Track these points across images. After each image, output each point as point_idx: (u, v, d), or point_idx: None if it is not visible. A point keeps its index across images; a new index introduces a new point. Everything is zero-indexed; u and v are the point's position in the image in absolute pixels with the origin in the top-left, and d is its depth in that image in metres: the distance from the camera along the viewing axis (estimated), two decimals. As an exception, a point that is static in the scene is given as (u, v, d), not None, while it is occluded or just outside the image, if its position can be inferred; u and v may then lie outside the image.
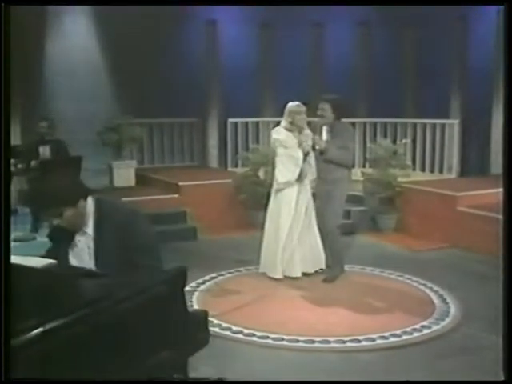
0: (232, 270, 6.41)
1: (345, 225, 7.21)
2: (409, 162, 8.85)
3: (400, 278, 6.24)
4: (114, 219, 2.90)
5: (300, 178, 5.96)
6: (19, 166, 7.45)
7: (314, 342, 4.59)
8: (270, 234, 6.12)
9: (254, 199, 7.95)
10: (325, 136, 5.92)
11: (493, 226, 6.47)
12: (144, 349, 2.44)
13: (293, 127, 5.96)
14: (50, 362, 2.17)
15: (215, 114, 10.71)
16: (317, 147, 5.87)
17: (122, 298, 2.38)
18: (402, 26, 10.90)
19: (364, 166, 9.60)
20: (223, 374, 3.77)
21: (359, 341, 4.61)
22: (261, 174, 8.31)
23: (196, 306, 5.29)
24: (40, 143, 7.79)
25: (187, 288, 5.65)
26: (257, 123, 10.43)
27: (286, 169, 5.95)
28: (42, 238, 4.65)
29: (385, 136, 9.60)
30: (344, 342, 4.60)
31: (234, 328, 4.84)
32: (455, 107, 10.21)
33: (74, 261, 2.97)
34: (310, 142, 5.91)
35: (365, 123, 10.30)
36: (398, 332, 4.77)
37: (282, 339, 4.64)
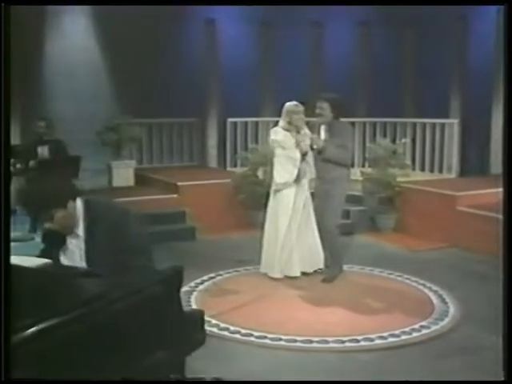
0: (230, 270, 6.39)
1: (344, 225, 7.21)
2: (408, 162, 8.83)
3: (399, 278, 6.22)
4: (104, 220, 2.88)
5: (298, 178, 5.94)
6: (18, 165, 7.43)
7: (312, 342, 4.57)
8: (270, 234, 6.11)
9: (253, 199, 7.93)
10: (323, 135, 5.91)
11: (492, 225, 6.46)
12: (139, 349, 2.42)
13: (291, 127, 5.94)
14: (44, 362, 2.16)
15: (214, 113, 10.69)
16: (315, 147, 5.85)
17: (118, 297, 2.37)
18: (401, 26, 10.89)
19: (363, 166, 9.58)
20: (221, 374, 3.76)
21: (358, 341, 4.59)
22: (260, 173, 8.30)
23: (194, 306, 5.26)
24: (39, 143, 7.77)
25: (185, 288, 5.74)
26: (256, 123, 10.41)
27: (284, 169, 5.94)
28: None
29: (384, 136, 9.58)
30: (343, 342, 4.58)
31: (232, 328, 4.82)
32: (455, 107, 10.19)
33: (65, 263, 2.95)
34: (308, 142, 5.89)
35: (364, 123, 10.28)
36: (396, 332, 4.75)
37: (280, 339, 4.62)
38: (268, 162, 6.93)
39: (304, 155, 5.94)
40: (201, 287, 5.87)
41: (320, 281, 6.00)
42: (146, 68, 9.94)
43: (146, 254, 2.88)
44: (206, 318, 4.89)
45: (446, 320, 5.06)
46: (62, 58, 9.87)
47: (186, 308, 4.66)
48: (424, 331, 4.82)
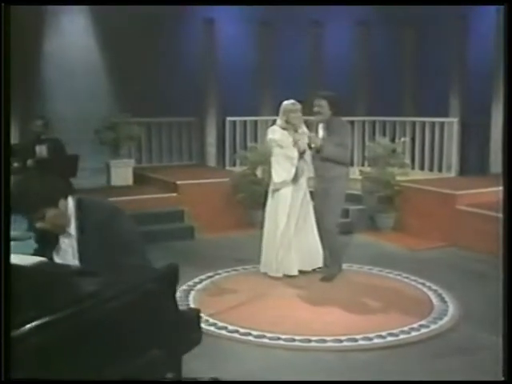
0: (229, 269, 6.37)
1: (343, 223, 7.19)
2: (407, 161, 8.81)
3: (398, 277, 6.20)
4: (96, 219, 2.84)
5: (296, 177, 5.92)
6: (15, 164, 7.40)
7: (310, 341, 4.55)
8: (269, 234, 6.10)
9: (252, 198, 7.90)
10: (321, 133, 5.88)
11: (492, 224, 6.44)
12: (134, 347, 2.39)
13: (288, 126, 5.92)
14: (37, 360, 2.14)
15: (213, 112, 10.66)
16: (313, 145, 5.83)
17: (111, 296, 2.35)
18: (401, 26, 10.87)
19: (363, 165, 9.57)
20: (219, 373, 3.73)
21: (356, 340, 4.57)
22: (259, 172, 8.27)
23: (192, 305, 5.24)
24: (36, 142, 7.74)
25: (183, 287, 5.71)
26: (255, 122, 10.39)
27: (281, 168, 5.92)
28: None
29: (384, 135, 9.56)
30: (341, 341, 4.55)
31: (230, 327, 4.79)
32: (454, 106, 10.17)
33: (58, 262, 2.92)
34: (306, 140, 5.86)
35: (364, 122, 10.27)
36: (395, 331, 4.72)
37: (279, 338, 4.60)
38: (267, 161, 6.90)
39: (302, 154, 5.92)
40: (199, 286, 5.85)
41: (319, 280, 5.97)
42: (144, 67, 9.92)
43: (139, 253, 2.85)
44: (204, 317, 4.92)
45: (445, 319, 5.04)
46: (60, 57, 9.83)
47: (182, 307, 4.66)
48: (423, 330, 4.80)
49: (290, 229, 5.98)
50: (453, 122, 9.56)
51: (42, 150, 7.69)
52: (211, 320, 4.90)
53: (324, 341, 4.55)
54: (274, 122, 6.23)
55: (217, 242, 7.52)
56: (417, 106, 10.76)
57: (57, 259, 2.96)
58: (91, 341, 2.29)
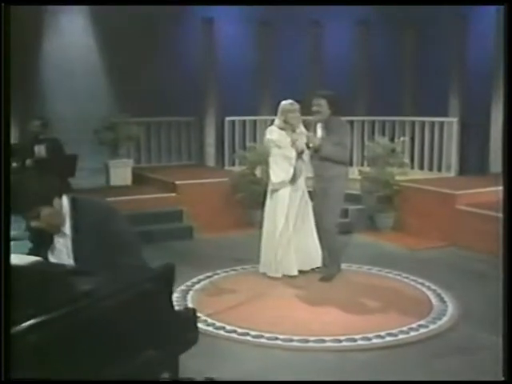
0: (228, 269, 6.35)
1: (342, 223, 7.16)
2: (407, 161, 8.78)
3: (397, 277, 6.18)
4: (91, 218, 2.83)
5: (294, 177, 5.90)
6: (14, 164, 7.39)
7: (308, 341, 4.53)
8: (268, 234, 6.08)
9: (251, 198, 7.88)
10: (319, 133, 5.86)
11: (492, 224, 6.43)
12: (129, 347, 2.38)
13: (286, 126, 5.90)
14: (33, 360, 2.13)
15: (212, 112, 10.64)
16: (311, 145, 5.81)
17: (105, 295, 2.33)
18: (401, 25, 10.85)
19: (362, 165, 9.55)
20: (216, 373, 3.72)
21: (355, 340, 4.55)
22: (258, 172, 8.25)
23: (190, 305, 5.21)
24: (35, 142, 7.73)
25: (182, 287, 5.70)
26: (254, 122, 10.36)
27: (279, 169, 5.90)
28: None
29: (383, 134, 9.54)
30: (339, 341, 4.53)
31: (228, 327, 4.77)
32: (454, 105, 10.15)
33: (54, 261, 2.91)
34: (304, 140, 5.84)
35: (363, 121, 10.25)
36: (394, 331, 4.70)
37: (277, 338, 4.58)
38: (266, 160, 6.87)
39: (300, 154, 5.90)
40: (197, 286, 5.83)
41: (318, 280, 5.95)
42: (144, 67, 9.90)
43: (135, 252, 2.83)
44: (202, 317, 4.90)
45: (444, 319, 5.02)
46: (60, 57, 9.82)
47: (180, 307, 4.64)
48: (422, 330, 4.78)
49: (289, 229, 5.96)
50: (452, 122, 9.55)
51: (40, 150, 7.69)
52: (209, 320, 4.89)
53: (323, 341, 4.53)
54: (272, 122, 6.21)
55: (216, 242, 7.51)
56: (416, 105, 10.74)
57: (52, 259, 2.95)
58: (86, 340, 2.28)
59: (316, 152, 5.83)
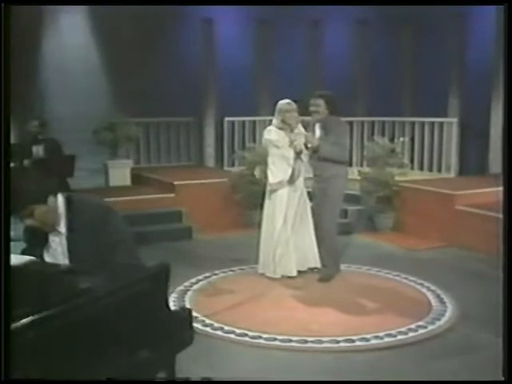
0: (226, 270, 6.33)
1: (342, 224, 7.15)
2: (406, 161, 8.76)
3: (397, 278, 6.15)
4: (86, 217, 2.80)
5: (293, 177, 5.88)
6: (12, 164, 7.36)
7: (307, 341, 4.51)
8: (266, 234, 6.05)
9: (250, 198, 7.86)
10: (318, 133, 5.84)
11: (491, 224, 6.41)
12: (124, 346, 2.36)
13: (284, 125, 5.87)
14: (24, 359, 2.11)
15: (212, 112, 10.62)
16: (309, 145, 5.79)
17: (101, 295, 2.31)
18: (400, 24, 10.83)
19: (362, 165, 9.53)
20: (213, 374, 3.70)
21: (353, 341, 4.52)
22: (257, 173, 8.22)
23: (188, 306, 5.19)
24: (33, 142, 7.71)
25: (180, 287, 5.67)
26: (253, 122, 10.34)
27: (277, 169, 5.88)
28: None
29: (383, 135, 9.51)
30: (338, 341, 4.51)
31: (226, 328, 4.75)
32: (454, 106, 10.13)
33: (48, 261, 2.88)
34: (302, 140, 5.82)
35: (363, 122, 10.23)
36: (393, 332, 4.68)
37: (275, 339, 4.55)
38: (265, 161, 6.85)
39: (299, 154, 5.87)
40: (195, 287, 5.80)
41: (316, 280, 5.93)
42: (143, 67, 9.89)
43: (130, 252, 2.81)
44: (200, 318, 4.88)
45: (444, 320, 4.99)
46: (58, 57, 9.82)
47: (176, 307, 4.62)
48: (421, 331, 4.75)
49: (287, 229, 5.93)
50: (452, 122, 9.53)
51: (38, 150, 7.67)
52: (207, 320, 4.87)
53: (321, 341, 4.51)
54: (271, 122, 6.19)
55: (214, 243, 7.48)
56: (416, 106, 10.72)
57: (47, 258, 2.92)
58: (80, 340, 2.26)
59: (315, 152, 5.81)
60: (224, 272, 6.28)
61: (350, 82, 10.80)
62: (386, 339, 4.57)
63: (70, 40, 9.92)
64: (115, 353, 2.35)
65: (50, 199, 2.79)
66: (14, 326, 2.10)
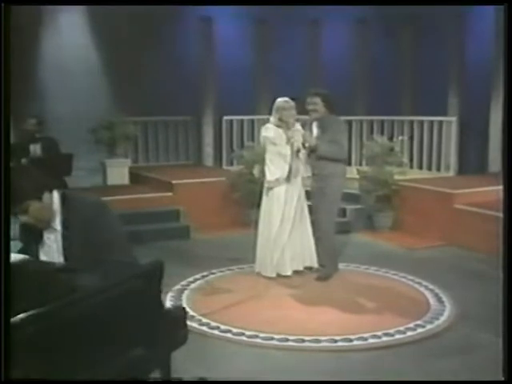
0: (224, 269, 6.30)
1: (341, 223, 7.14)
2: (405, 160, 8.74)
3: (395, 277, 6.12)
4: (81, 214, 2.79)
5: (290, 176, 5.84)
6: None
7: (304, 341, 4.48)
8: (263, 233, 6.02)
9: (249, 197, 7.79)
10: (315, 131, 5.81)
11: (490, 223, 6.39)
12: (116, 345, 2.33)
13: (282, 123, 5.85)
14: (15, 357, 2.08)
15: (210, 111, 10.58)
16: (306, 144, 5.76)
17: (93, 292, 2.29)
18: (399, 24, 10.81)
19: (361, 164, 9.50)
20: (209, 374, 3.67)
21: (351, 340, 4.49)
22: (255, 171, 8.19)
23: (185, 305, 5.16)
24: (31, 141, 7.68)
25: (177, 286, 5.64)
26: (252, 121, 10.30)
27: (275, 166, 5.85)
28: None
29: (382, 134, 9.48)
30: (335, 341, 4.48)
31: (223, 327, 4.72)
32: (453, 104, 10.10)
33: (43, 258, 2.87)
34: (300, 139, 5.79)
35: (361, 121, 10.20)
36: (391, 331, 4.65)
37: (272, 338, 4.52)
38: (263, 159, 6.83)
39: (297, 152, 5.84)
40: (193, 286, 5.77)
41: (314, 279, 5.90)
42: (141, 66, 9.86)
43: (123, 249, 2.79)
44: (197, 317, 4.86)
45: (442, 319, 4.96)
46: (57, 56, 9.78)
47: (168, 305, 4.58)
48: (419, 330, 4.72)
49: (285, 228, 5.90)
50: (451, 121, 9.49)
51: (36, 149, 7.64)
52: (204, 319, 4.84)
53: (318, 341, 4.48)
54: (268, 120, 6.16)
55: (212, 242, 7.46)
56: (415, 105, 10.69)
57: (42, 255, 2.91)
58: (73, 338, 2.23)
59: (312, 151, 5.78)
60: (221, 271, 6.25)
61: (349, 81, 10.77)
62: (384, 338, 4.55)
63: (68, 39, 9.88)
64: (108, 351, 2.33)
65: (45, 196, 2.78)
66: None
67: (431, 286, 5.76)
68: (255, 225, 6.12)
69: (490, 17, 8.98)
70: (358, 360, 4.26)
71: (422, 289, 5.73)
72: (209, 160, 10.62)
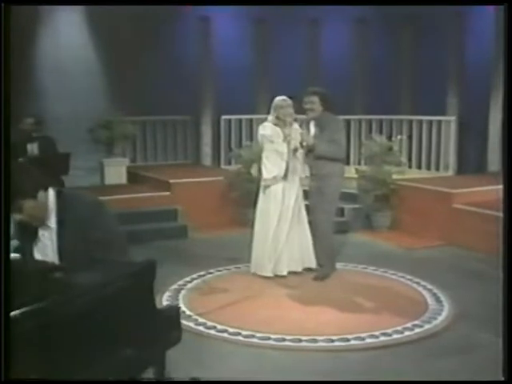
0: (221, 268, 6.26)
1: (339, 222, 7.11)
2: (404, 159, 8.70)
3: (393, 277, 6.09)
4: (76, 212, 2.78)
5: (287, 174, 5.81)
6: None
7: (300, 341, 4.45)
8: (260, 232, 5.97)
9: (247, 197, 7.78)
10: (312, 130, 5.78)
11: (489, 223, 6.37)
12: (107, 344, 2.29)
13: (279, 122, 5.82)
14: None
15: (209, 111, 10.54)
16: (304, 143, 5.73)
17: (83, 291, 2.26)
18: (399, 23, 10.78)
19: (359, 163, 9.47)
20: (204, 373, 3.65)
21: (348, 340, 4.46)
22: (253, 171, 8.16)
23: (181, 304, 5.14)
24: (28, 140, 7.64)
25: (174, 286, 5.62)
26: (250, 120, 10.26)
27: (272, 164, 5.82)
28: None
29: (380, 133, 9.45)
30: (332, 341, 4.45)
31: (219, 327, 4.69)
32: (452, 104, 10.06)
33: (38, 256, 2.86)
34: (298, 137, 5.76)
35: (360, 120, 10.17)
36: (388, 331, 4.62)
37: (269, 338, 4.49)
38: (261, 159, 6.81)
39: (294, 151, 5.81)
40: (189, 285, 5.74)
41: (311, 279, 5.86)
42: (139, 65, 9.84)
43: (120, 248, 2.77)
44: (193, 317, 4.83)
45: (440, 319, 4.93)
46: (55, 56, 9.76)
47: (162, 305, 4.55)
48: (417, 330, 4.69)
49: (283, 228, 5.86)
50: (450, 121, 9.46)
51: (33, 148, 7.60)
52: (200, 319, 4.81)
53: (315, 340, 4.45)
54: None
55: (210, 241, 7.42)
56: (414, 104, 10.65)
57: (37, 254, 2.89)
58: (63, 337, 2.20)
59: (310, 151, 5.75)
60: (219, 271, 6.22)
61: (348, 80, 10.74)
62: (382, 338, 4.52)
63: (66, 38, 9.86)
64: (99, 350, 2.30)
65: (40, 194, 2.77)
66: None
67: (429, 286, 5.73)
68: (252, 224, 6.08)
69: (489, 17, 8.95)
70: (355, 360, 4.23)
71: (420, 289, 5.71)
72: (207, 159, 10.59)
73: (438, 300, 5.37)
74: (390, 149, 8.11)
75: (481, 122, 9.52)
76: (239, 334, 4.57)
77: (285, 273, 5.92)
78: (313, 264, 6.03)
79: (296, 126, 5.91)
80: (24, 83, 9.37)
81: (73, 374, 2.23)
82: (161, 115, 10.27)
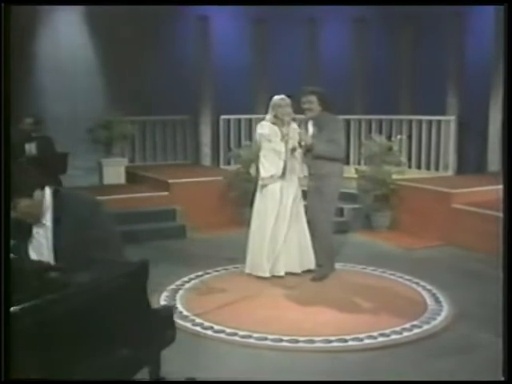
0: (219, 269, 6.24)
1: (339, 223, 7.08)
2: (404, 159, 8.67)
3: (392, 277, 6.06)
4: (73, 211, 2.78)
5: (285, 174, 5.78)
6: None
7: (298, 341, 4.42)
8: (256, 232, 5.94)
9: (245, 196, 7.75)
10: (311, 130, 5.75)
11: (489, 223, 6.35)
12: (101, 344, 2.27)
13: (277, 120, 5.80)
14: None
15: (208, 111, 10.53)
16: (302, 143, 5.70)
17: (79, 291, 2.23)
18: (398, 23, 10.76)
19: (359, 163, 9.45)
20: (200, 373, 3.62)
21: (346, 340, 4.43)
22: (252, 171, 8.14)
23: (179, 305, 5.12)
24: (26, 140, 7.62)
25: (172, 286, 5.59)
26: (249, 120, 10.23)
27: (269, 163, 5.79)
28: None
29: (380, 133, 9.43)
30: (330, 341, 4.42)
31: (216, 327, 4.66)
32: (452, 104, 10.04)
33: (33, 254, 2.84)
34: (296, 137, 5.73)
35: (360, 120, 10.14)
36: (387, 331, 4.59)
37: (266, 338, 4.46)
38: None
39: (292, 150, 5.78)
40: (187, 285, 5.71)
41: (309, 279, 5.83)
42: (138, 65, 9.82)
43: (113, 247, 2.75)
44: (191, 317, 4.81)
45: (439, 319, 4.90)
46: (54, 56, 9.75)
47: (157, 305, 4.52)
48: (415, 330, 4.66)
49: (280, 228, 5.83)
50: (450, 121, 9.43)
51: (31, 148, 7.57)
52: (197, 320, 4.78)
53: (312, 341, 4.41)
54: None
55: (209, 241, 7.40)
56: (414, 104, 10.63)
57: (32, 252, 2.88)
58: (58, 336, 2.18)
59: (308, 151, 5.72)
60: (217, 271, 6.20)
61: (347, 80, 10.72)
62: (380, 339, 4.49)
63: (65, 38, 9.85)
64: (93, 349, 2.27)
65: (37, 193, 2.77)
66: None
67: (429, 287, 5.70)
68: (249, 223, 6.05)
69: (489, 17, 8.92)
70: (353, 361, 4.21)
71: (419, 289, 5.67)
72: (206, 159, 10.57)
73: (437, 300, 5.34)
74: (390, 149, 8.08)
75: (481, 121, 9.50)
76: (236, 334, 4.55)
77: (282, 273, 5.89)
78: (312, 265, 5.99)
79: (294, 125, 5.87)
80: (23, 83, 9.36)
81: (67, 374, 2.20)
82: (160, 115, 10.25)
